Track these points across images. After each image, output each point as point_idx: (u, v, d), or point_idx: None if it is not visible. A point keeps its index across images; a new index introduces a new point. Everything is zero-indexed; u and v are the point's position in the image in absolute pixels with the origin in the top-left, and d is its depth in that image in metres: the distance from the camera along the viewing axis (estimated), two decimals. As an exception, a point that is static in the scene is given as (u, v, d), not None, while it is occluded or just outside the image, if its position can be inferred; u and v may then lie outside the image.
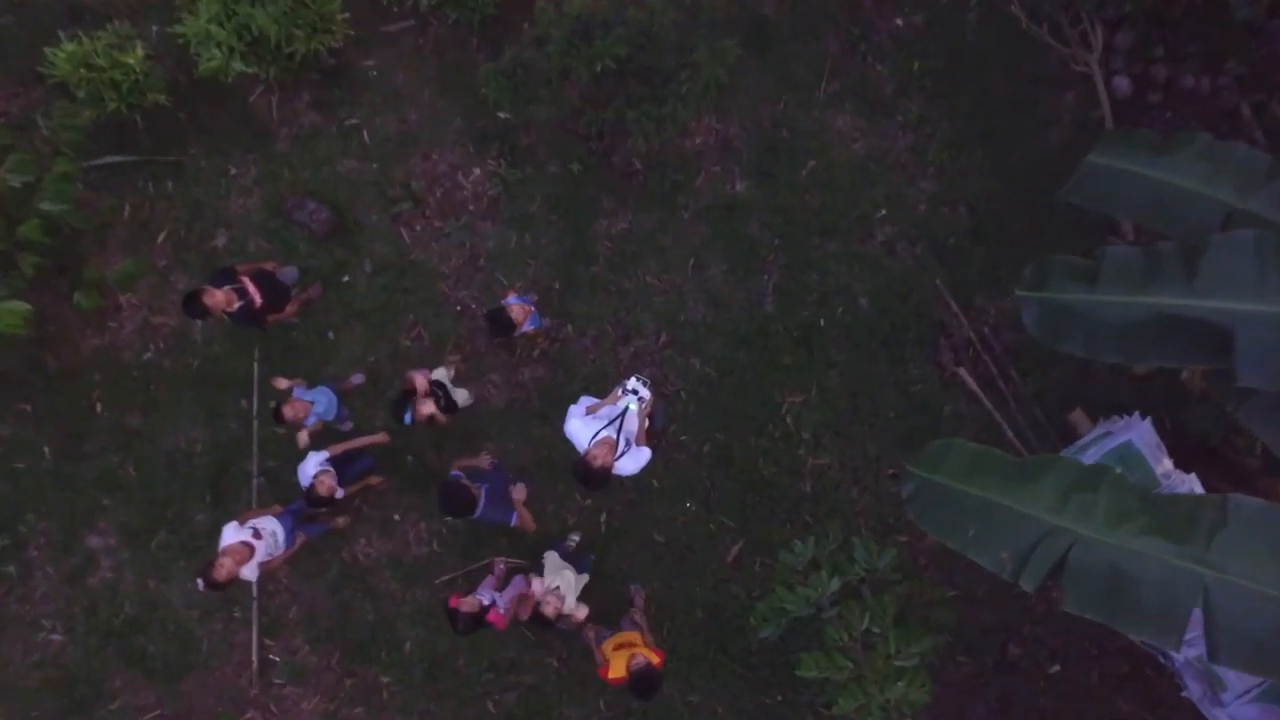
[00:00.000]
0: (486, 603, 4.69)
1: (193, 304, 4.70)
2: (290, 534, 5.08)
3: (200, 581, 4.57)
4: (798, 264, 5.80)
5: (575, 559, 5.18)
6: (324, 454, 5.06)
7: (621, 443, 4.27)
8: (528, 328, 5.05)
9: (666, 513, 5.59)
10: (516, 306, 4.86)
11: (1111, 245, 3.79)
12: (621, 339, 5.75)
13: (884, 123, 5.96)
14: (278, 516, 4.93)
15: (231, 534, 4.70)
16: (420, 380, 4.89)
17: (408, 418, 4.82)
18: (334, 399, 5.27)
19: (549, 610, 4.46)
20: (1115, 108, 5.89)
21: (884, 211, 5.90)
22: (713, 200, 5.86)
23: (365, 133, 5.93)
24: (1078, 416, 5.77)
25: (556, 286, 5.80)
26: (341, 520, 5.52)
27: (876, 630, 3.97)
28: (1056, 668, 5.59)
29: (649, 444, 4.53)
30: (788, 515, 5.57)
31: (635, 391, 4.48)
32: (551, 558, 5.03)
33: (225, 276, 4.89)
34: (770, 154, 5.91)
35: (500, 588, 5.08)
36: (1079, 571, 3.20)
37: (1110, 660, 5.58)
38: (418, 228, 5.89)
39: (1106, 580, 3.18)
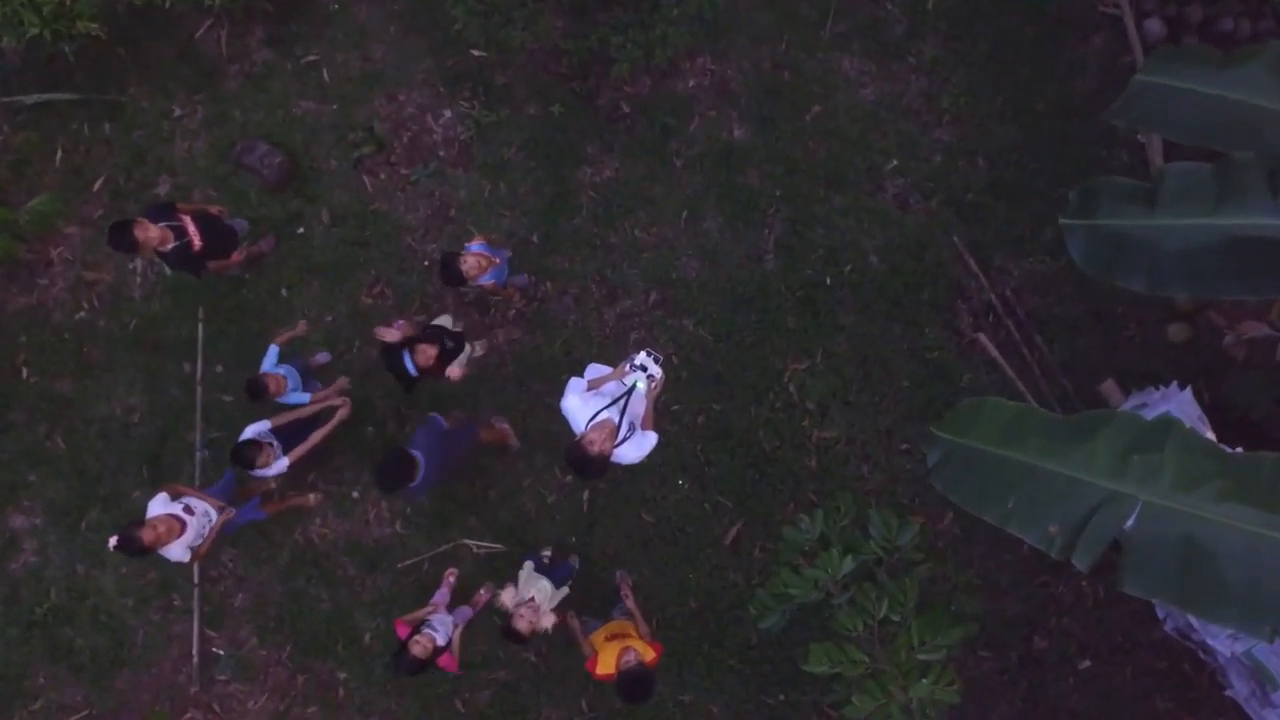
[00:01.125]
0: (441, 642, 4.08)
1: (121, 235, 4.11)
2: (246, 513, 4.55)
3: (114, 541, 3.91)
4: (801, 217, 5.26)
5: (553, 570, 4.56)
6: (265, 424, 4.50)
7: (624, 427, 3.66)
8: (485, 281, 4.39)
9: (656, 491, 5.03)
10: (472, 257, 4.24)
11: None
12: (606, 298, 5.19)
13: (895, 66, 5.43)
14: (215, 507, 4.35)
15: (160, 505, 4.13)
16: (402, 327, 4.25)
17: (411, 367, 4.11)
18: (299, 378, 4.69)
19: (522, 625, 3.87)
20: (1147, 52, 5.39)
21: (895, 162, 5.37)
22: (708, 147, 5.32)
23: (324, 71, 5.37)
24: (1109, 387, 5.25)
25: (535, 240, 5.24)
26: (313, 497, 4.95)
27: (896, 618, 3.42)
28: (1087, 663, 5.06)
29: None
30: (791, 493, 5.03)
31: (644, 368, 3.83)
32: (526, 568, 4.41)
33: (163, 212, 4.33)
34: (771, 98, 5.37)
35: (453, 605, 4.51)
36: (1143, 545, 2.68)
37: (1145, 655, 5.06)
38: (381, 175, 5.33)
39: (1178, 555, 2.65)
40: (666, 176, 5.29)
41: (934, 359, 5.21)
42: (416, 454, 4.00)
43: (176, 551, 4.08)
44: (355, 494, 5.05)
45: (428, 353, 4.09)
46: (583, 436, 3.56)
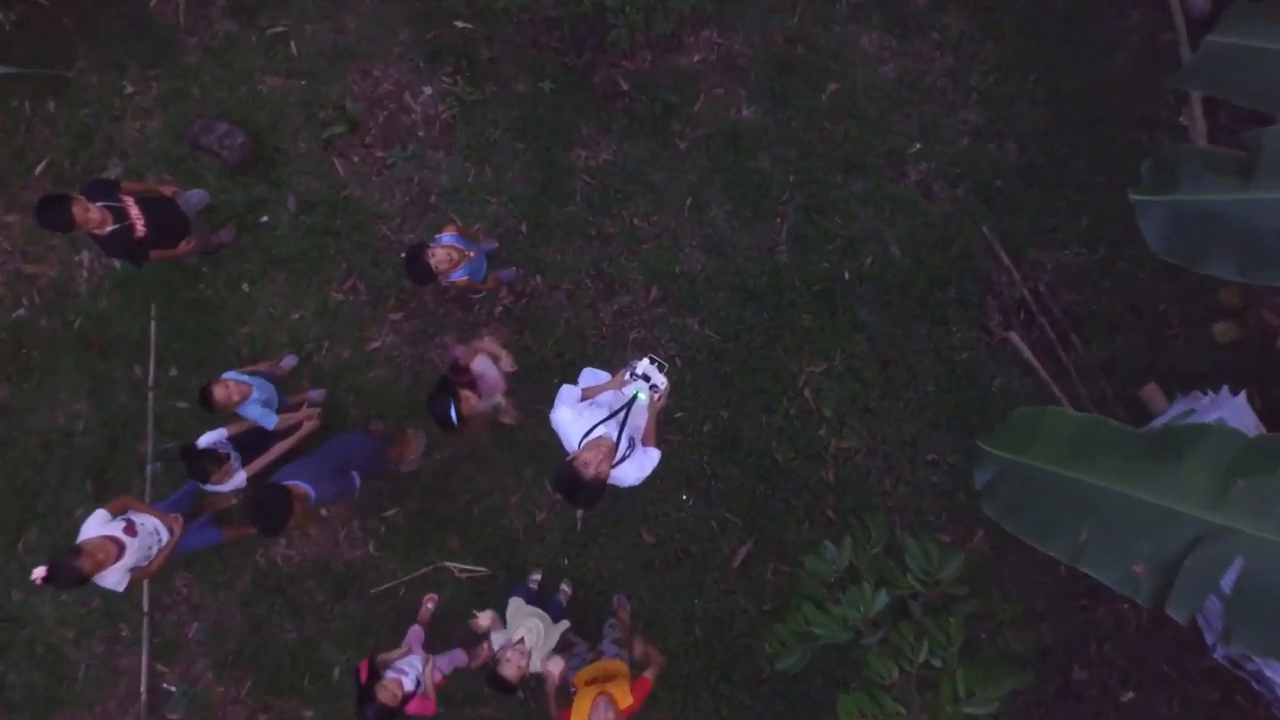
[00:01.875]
0: (410, 687, 3.57)
1: (53, 212, 3.60)
2: (203, 533, 4.05)
3: (41, 572, 3.38)
4: (817, 205, 4.79)
5: (547, 601, 4.05)
6: (222, 431, 4.01)
7: (623, 444, 3.15)
8: (458, 277, 3.87)
9: (658, 507, 4.55)
10: (442, 249, 3.73)
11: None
12: (603, 294, 4.71)
13: (918, 41, 4.97)
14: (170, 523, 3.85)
15: (97, 525, 3.63)
16: (477, 354, 3.73)
17: (454, 415, 3.49)
18: (274, 391, 4.18)
19: (510, 672, 3.37)
20: (1190, 29, 4.95)
21: (918, 146, 4.91)
22: (714, 128, 4.84)
23: (292, 43, 4.87)
24: (1151, 391, 4.79)
25: (523, 230, 4.75)
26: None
27: (938, 663, 2.94)
28: (1130, 695, 4.61)
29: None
30: (806, 510, 4.56)
31: (647, 377, 3.33)
32: (515, 603, 3.84)
33: (104, 190, 3.82)
34: (783, 75, 4.90)
35: (429, 640, 4.00)
36: (1256, 591, 2.20)
37: (1194, 686, 4.60)
38: (355, 158, 4.83)
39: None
40: (669, 160, 4.81)
41: (962, 361, 4.75)
42: (296, 484, 3.51)
43: (111, 578, 3.57)
44: (324, 512, 4.55)
45: (473, 403, 3.56)
46: (576, 456, 3.02)
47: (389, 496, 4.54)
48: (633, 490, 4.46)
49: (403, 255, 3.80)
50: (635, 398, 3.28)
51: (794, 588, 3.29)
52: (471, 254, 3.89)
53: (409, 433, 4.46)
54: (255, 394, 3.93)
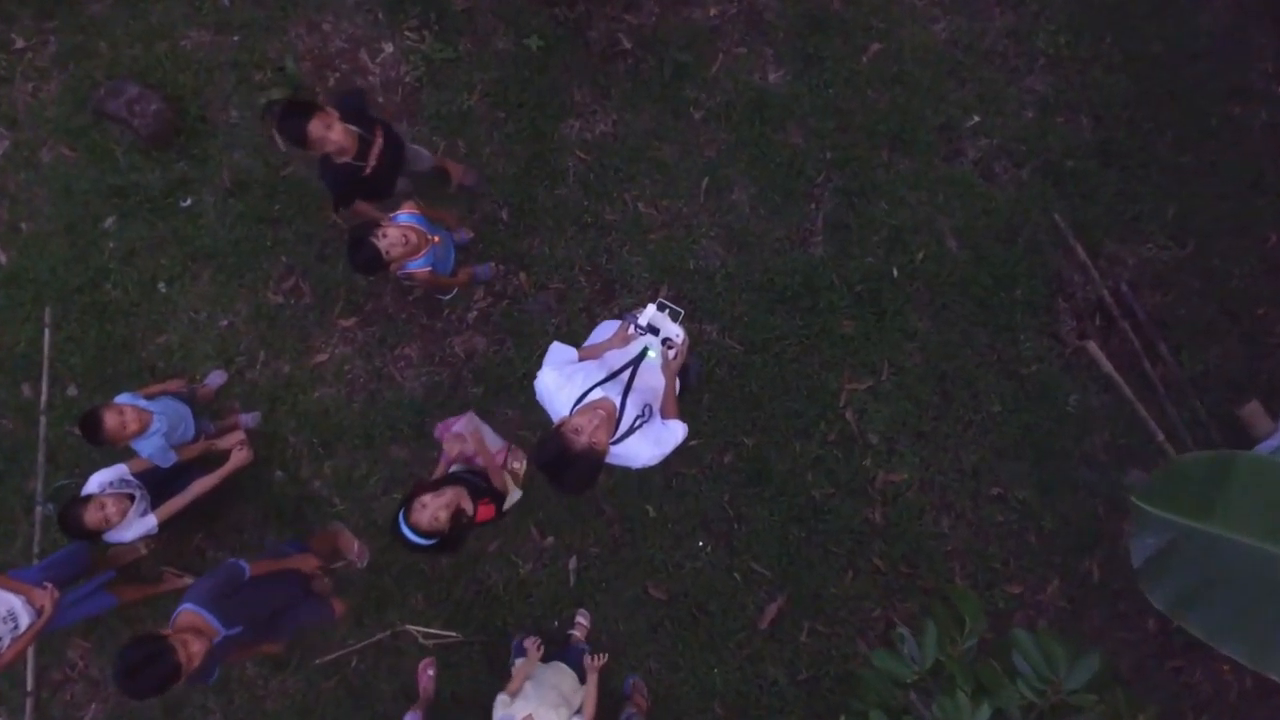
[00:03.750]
0: None
1: (293, 119, 2.88)
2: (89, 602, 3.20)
3: None
4: (858, 188, 3.99)
5: (565, 653, 3.31)
6: (121, 468, 3.16)
7: (630, 411, 2.43)
8: (416, 268, 3.07)
9: (669, 556, 3.73)
10: (396, 230, 2.92)
11: None
12: (600, 294, 3.88)
13: (974, -4, 4.19)
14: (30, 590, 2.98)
15: None
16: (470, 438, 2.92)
17: (410, 534, 2.65)
18: (189, 415, 3.34)
19: None
20: (1288, -18, 4.20)
21: (976, 119, 4.13)
22: (735, 95, 4.03)
23: (222, -10, 4.02)
24: (1253, 411, 4.02)
25: (504, 217, 3.92)
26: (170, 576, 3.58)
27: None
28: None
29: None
30: (848, 558, 3.75)
31: (654, 329, 2.59)
32: (522, 666, 3.11)
33: (360, 110, 3.11)
34: (817, 32, 4.10)
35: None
36: None
37: (1311, 765, 3.84)
38: (299, 130, 3.97)
39: None
40: (680, 133, 3.99)
41: (1032, 374, 3.96)
42: (197, 613, 2.64)
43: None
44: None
45: (438, 516, 2.65)
46: (564, 422, 2.28)
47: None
48: (636, 529, 3.67)
49: (346, 237, 2.95)
50: (643, 354, 2.53)
51: (856, 690, 2.47)
52: (436, 239, 3.06)
53: (332, 527, 3.62)
54: (156, 424, 3.07)
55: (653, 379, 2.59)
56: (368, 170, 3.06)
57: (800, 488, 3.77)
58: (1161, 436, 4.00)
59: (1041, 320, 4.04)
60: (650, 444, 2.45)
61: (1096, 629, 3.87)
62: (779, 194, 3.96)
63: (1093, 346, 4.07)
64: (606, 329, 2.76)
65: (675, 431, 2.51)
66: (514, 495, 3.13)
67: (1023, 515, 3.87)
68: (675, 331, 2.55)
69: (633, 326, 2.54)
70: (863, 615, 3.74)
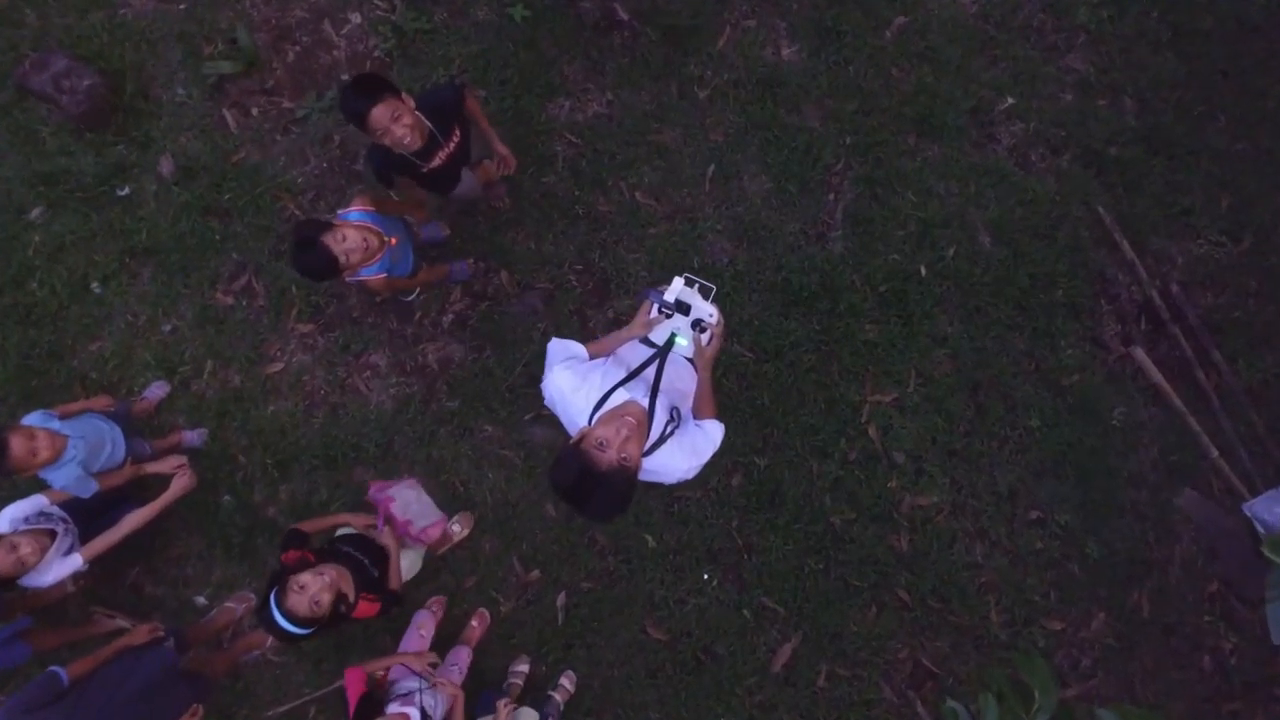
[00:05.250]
0: None
1: (361, 92, 2.43)
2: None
3: None
4: (882, 177, 3.58)
5: (544, 707, 2.98)
6: (39, 500, 2.72)
7: (660, 415, 1.98)
8: (370, 274, 2.62)
9: (670, 591, 3.31)
10: (353, 231, 2.48)
11: None
12: (593, 296, 3.45)
13: (1007, -35, 3.78)
14: None
15: None
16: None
17: (283, 621, 2.29)
18: (118, 435, 2.90)
19: None
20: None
21: (1011, 101, 3.73)
22: (744, 72, 3.61)
23: (166, -48, 3.56)
24: (1317, 425, 3.63)
25: (483, 207, 3.48)
26: (146, 629, 3.09)
27: None
28: (1303, 835, 3.44)
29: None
30: (871, 591, 3.34)
31: (684, 308, 2.06)
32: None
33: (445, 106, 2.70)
34: (835, 3, 3.71)
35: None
36: None
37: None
38: (253, 109, 3.54)
39: None
40: (684, 115, 3.57)
41: (1073, 385, 3.56)
42: None
43: None
44: (201, 599, 3.25)
45: (320, 600, 2.29)
46: (586, 435, 1.83)
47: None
48: (632, 561, 3.24)
49: (291, 237, 2.50)
50: (671, 341, 2.08)
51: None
52: (393, 240, 2.61)
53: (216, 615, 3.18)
54: (71, 450, 2.63)
55: (681, 375, 2.16)
56: (425, 170, 2.65)
57: (817, 513, 3.35)
58: (1216, 453, 3.61)
59: (1084, 325, 3.64)
60: (685, 453, 1.99)
61: (1147, 669, 3.47)
62: (793, 183, 3.54)
63: (1139, 353, 3.68)
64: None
65: (712, 435, 2.07)
66: (413, 567, 2.80)
67: (1064, 542, 3.47)
68: (708, 311, 2.03)
69: (656, 307, 2.05)
70: (887, 656, 3.33)
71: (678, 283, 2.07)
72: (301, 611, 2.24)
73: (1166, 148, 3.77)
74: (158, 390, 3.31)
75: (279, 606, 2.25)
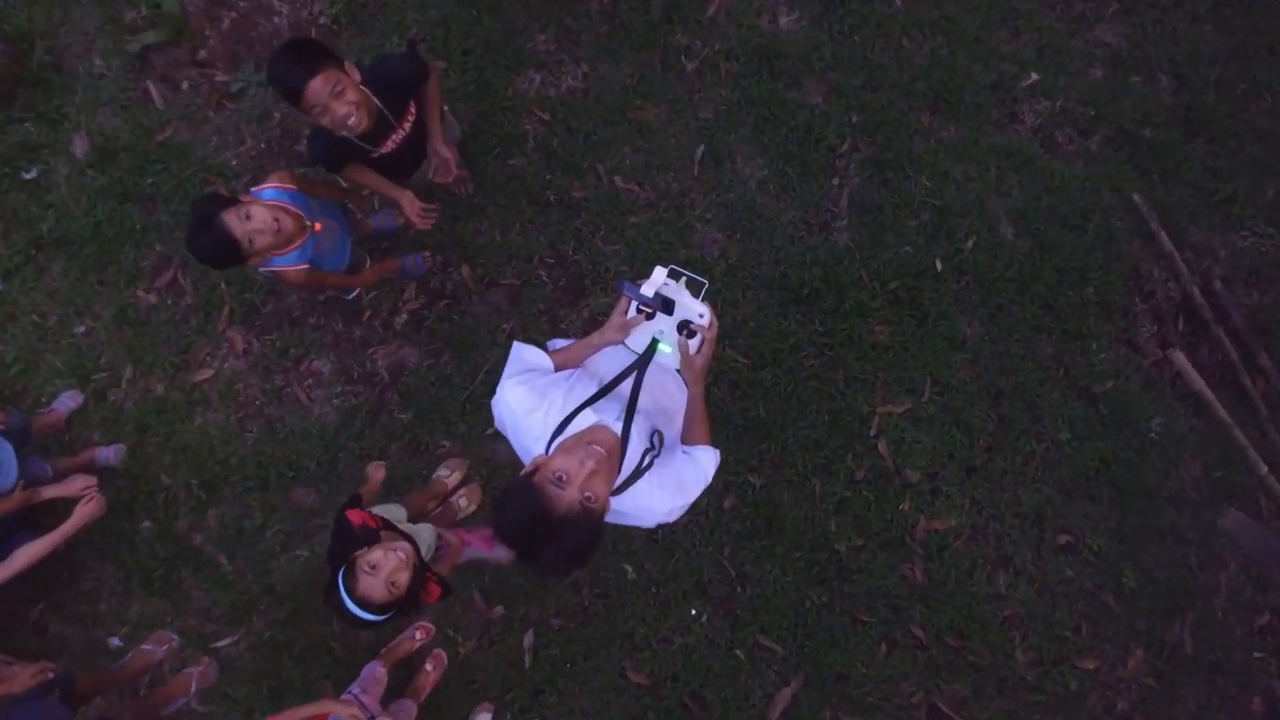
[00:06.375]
0: None
1: (291, 61, 1.99)
2: None
3: None
4: (893, 160, 3.19)
5: None
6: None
7: (635, 441, 1.60)
8: (283, 264, 2.20)
9: (653, 629, 2.91)
10: (263, 210, 2.07)
11: None
12: (566, 294, 3.05)
13: (1029, -74, 3.40)
14: None
15: None
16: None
17: (358, 610, 1.95)
18: (9, 455, 2.49)
19: None
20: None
21: (1035, 77, 3.37)
22: (737, 41, 3.22)
23: (84, -96, 3.15)
24: (1375, 438, 3.26)
25: (440, 193, 3.07)
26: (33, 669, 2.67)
27: None
28: None
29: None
30: (882, 628, 2.95)
31: (666, 306, 1.61)
32: None
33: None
34: (839, -33, 3.30)
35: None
36: None
37: None
38: (183, 83, 3.14)
39: None
40: (669, 89, 3.18)
41: (1107, 393, 3.18)
42: None
43: None
44: (116, 641, 2.84)
45: (397, 580, 1.97)
46: (540, 466, 1.45)
47: (221, 617, 2.84)
48: (610, 594, 2.85)
49: (190, 211, 2.08)
50: (653, 348, 1.66)
51: None
52: (317, 226, 2.21)
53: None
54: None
55: (668, 387, 1.80)
56: (375, 156, 2.26)
57: (820, 540, 2.96)
58: (1265, 469, 3.23)
59: (1117, 325, 3.26)
60: (668, 490, 1.60)
61: (1190, 713, 3.10)
62: (793, 166, 3.15)
63: (1179, 357, 3.30)
64: (560, 341, 1.90)
65: (704, 466, 1.67)
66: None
67: (1097, 570, 3.09)
68: (697, 310, 1.61)
69: (633, 304, 1.62)
70: (900, 700, 2.94)
71: (659, 274, 1.61)
72: (378, 597, 1.92)
73: (1206, 129, 3.40)
74: (69, 401, 2.90)
75: (350, 593, 1.92)
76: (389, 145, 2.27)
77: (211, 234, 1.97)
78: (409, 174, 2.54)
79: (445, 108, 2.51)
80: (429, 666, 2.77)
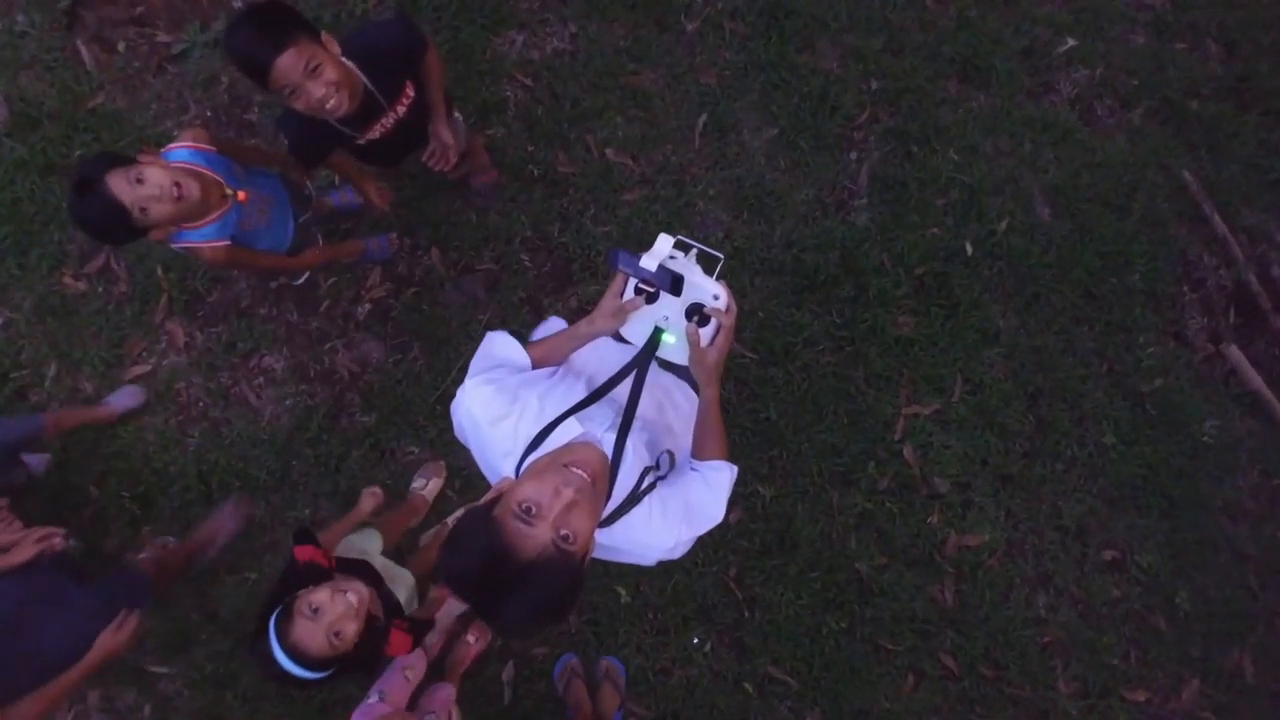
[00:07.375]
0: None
1: (252, 30, 1.60)
2: None
3: None
4: (917, 132, 2.86)
5: None
6: None
7: (631, 459, 1.23)
8: (196, 240, 1.83)
9: (650, 658, 2.57)
10: (158, 172, 1.69)
11: None
12: (550, 278, 2.71)
13: (1064, -123, 3.09)
14: None
15: None
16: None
17: (289, 663, 1.55)
18: None
19: None
20: None
21: (1072, 42, 3.05)
22: (743, 0, 2.88)
23: None
24: None
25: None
26: None
27: None
28: None
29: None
30: (908, 655, 2.61)
31: (674, 284, 1.21)
32: None
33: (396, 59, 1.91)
34: (855, -82, 2.97)
35: None
36: None
37: None
38: (119, 44, 2.79)
39: None
40: (667, 52, 2.84)
41: (1155, 392, 2.85)
42: None
43: None
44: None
45: (342, 631, 1.58)
46: (503, 495, 1.08)
47: (156, 648, 2.48)
48: (600, 620, 2.51)
49: (70, 177, 1.71)
50: (656, 340, 1.29)
51: None
52: (241, 195, 1.85)
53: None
54: None
55: (672, 391, 1.53)
56: (360, 141, 1.91)
57: (839, 558, 2.62)
58: (1328, 478, 2.92)
59: (1165, 316, 2.94)
60: (673, 519, 1.25)
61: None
62: (806, 138, 2.81)
63: (1234, 352, 2.98)
64: (553, 323, 1.68)
65: (717, 485, 1.32)
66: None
67: (1147, 589, 2.77)
68: (712, 291, 1.23)
69: (631, 283, 1.28)
70: (928, 739, 2.61)
71: (664, 243, 1.22)
72: (314, 648, 1.51)
73: (1259, 101, 3.09)
74: (126, 399, 2.54)
75: (282, 640, 1.52)
76: (376, 130, 1.90)
77: (95, 200, 1.61)
78: (396, 163, 2.19)
79: (457, 113, 2.16)
80: (471, 638, 2.43)
